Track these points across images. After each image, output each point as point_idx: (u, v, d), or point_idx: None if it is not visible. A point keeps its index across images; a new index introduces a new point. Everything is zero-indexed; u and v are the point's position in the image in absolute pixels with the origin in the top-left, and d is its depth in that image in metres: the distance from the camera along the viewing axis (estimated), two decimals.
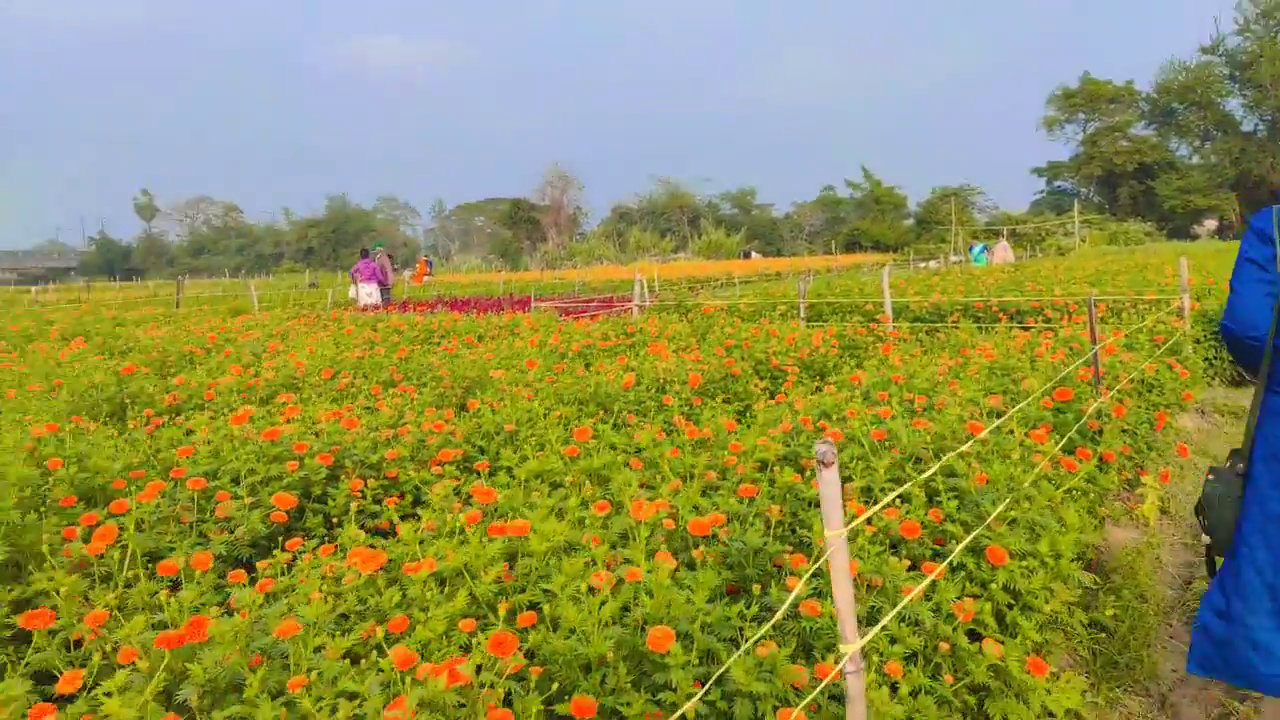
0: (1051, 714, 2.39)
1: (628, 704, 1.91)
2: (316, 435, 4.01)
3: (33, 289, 37.27)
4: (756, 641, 1.95)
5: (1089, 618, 3.15)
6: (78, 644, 2.23)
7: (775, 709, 1.94)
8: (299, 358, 7.06)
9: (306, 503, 3.48)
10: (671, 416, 4.71)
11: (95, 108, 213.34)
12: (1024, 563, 2.83)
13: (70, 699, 1.88)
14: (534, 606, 2.33)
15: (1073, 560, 2.93)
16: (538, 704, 1.81)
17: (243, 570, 2.51)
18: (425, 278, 31.27)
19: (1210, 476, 2.62)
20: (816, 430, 3.86)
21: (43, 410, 5.05)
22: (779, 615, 1.83)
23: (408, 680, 1.77)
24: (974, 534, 2.75)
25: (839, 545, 1.73)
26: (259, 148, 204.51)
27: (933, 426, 3.73)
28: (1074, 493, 3.67)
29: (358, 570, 2.32)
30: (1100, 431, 4.37)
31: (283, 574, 2.52)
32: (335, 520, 3.34)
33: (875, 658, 2.21)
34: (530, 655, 2.08)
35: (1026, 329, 7.86)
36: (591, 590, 2.16)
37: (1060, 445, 3.73)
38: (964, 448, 3.01)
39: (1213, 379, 8.29)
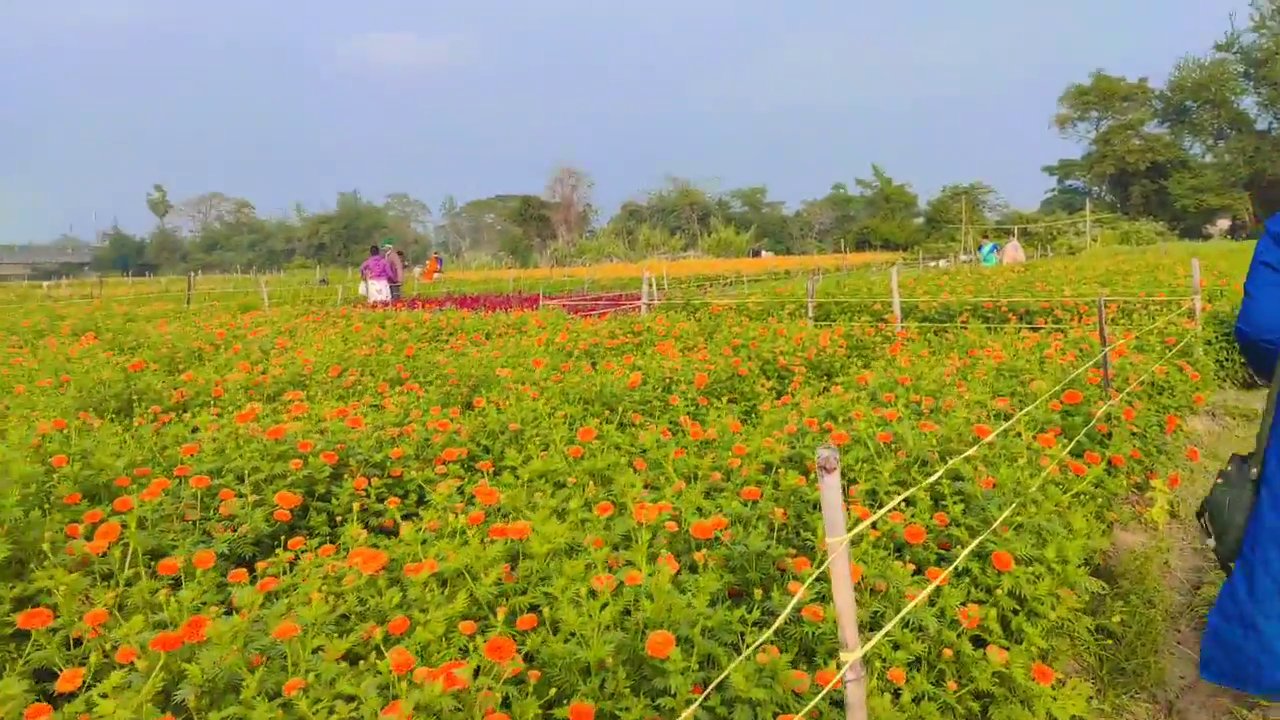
0: None
1: (626, 709, 1.89)
2: (321, 433, 4.01)
3: (45, 284, 37.55)
4: (758, 647, 1.94)
5: (1096, 623, 3.12)
6: (78, 642, 2.23)
7: (775, 715, 1.92)
8: (307, 355, 7.07)
9: (310, 501, 3.47)
10: (677, 416, 4.70)
11: (110, 105, 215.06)
12: (1030, 568, 2.80)
13: (70, 697, 1.88)
14: (534, 609, 2.32)
15: (1080, 566, 2.89)
16: (535, 708, 1.80)
17: (244, 569, 2.50)
18: (436, 274, 31.37)
19: (1219, 480, 2.59)
20: (822, 432, 3.83)
21: (50, 406, 5.06)
22: (780, 620, 1.81)
23: (404, 683, 1.76)
24: (980, 539, 2.72)
25: (840, 552, 1.71)
26: (271, 144, 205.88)
27: (939, 429, 3.70)
28: (1082, 497, 3.64)
29: (359, 570, 2.32)
30: (1109, 435, 4.33)
31: (284, 573, 2.51)
32: (339, 519, 3.33)
33: (878, 663, 2.19)
34: (529, 659, 2.06)
35: (1036, 330, 7.80)
36: (592, 593, 2.15)
37: (1068, 449, 3.70)
38: (970, 451, 2.98)
39: (1224, 381, 8.21)
